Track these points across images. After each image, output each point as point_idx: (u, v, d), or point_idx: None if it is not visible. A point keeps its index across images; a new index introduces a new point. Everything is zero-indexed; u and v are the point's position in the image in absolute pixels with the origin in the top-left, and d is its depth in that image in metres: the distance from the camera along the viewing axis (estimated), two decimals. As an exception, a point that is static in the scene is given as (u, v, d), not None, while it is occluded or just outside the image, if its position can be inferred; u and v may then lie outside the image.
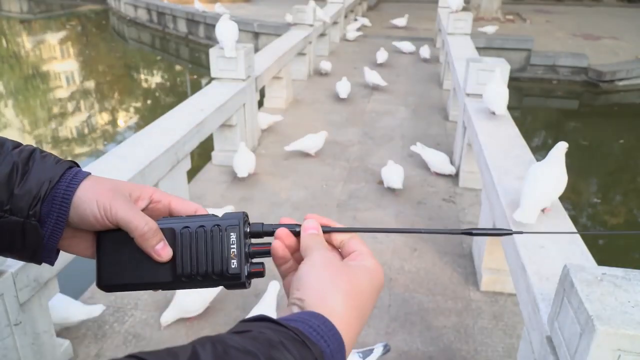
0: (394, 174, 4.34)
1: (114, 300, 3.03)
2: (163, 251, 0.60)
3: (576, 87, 10.17)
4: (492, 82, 4.05)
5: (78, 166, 0.64)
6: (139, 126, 8.43)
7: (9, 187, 0.57)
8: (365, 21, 12.65)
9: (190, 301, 2.79)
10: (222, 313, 2.96)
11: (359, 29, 11.61)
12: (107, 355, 2.66)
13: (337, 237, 0.62)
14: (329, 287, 0.52)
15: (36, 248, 0.60)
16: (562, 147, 2.45)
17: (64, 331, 2.77)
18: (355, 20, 12.61)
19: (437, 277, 3.36)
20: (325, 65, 8.09)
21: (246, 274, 0.60)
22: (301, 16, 8.02)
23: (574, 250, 2.24)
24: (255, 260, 0.62)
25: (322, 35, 9.24)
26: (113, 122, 9.29)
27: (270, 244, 0.61)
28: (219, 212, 0.63)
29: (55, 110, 9.60)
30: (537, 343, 1.84)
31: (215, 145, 4.94)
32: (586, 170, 6.95)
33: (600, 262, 2.02)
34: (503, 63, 4.45)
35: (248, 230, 0.61)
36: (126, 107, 10.09)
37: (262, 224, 0.62)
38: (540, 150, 7.58)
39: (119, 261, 0.61)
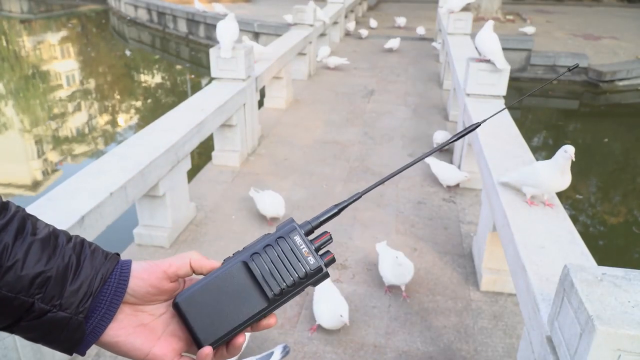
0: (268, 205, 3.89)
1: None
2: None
3: (576, 87, 10.17)
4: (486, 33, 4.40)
5: (119, 256, 0.66)
6: (139, 126, 8.43)
7: (63, 282, 0.58)
8: (374, 23, 12.61)
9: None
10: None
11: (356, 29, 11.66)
12: (107, 355, 2.66)
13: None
14: None
15: (74, 343, 0.59)
16: (567, 150, 2.49)
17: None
18: (359, 24, 12.61)
19: (437, 277, 3.36)
20: (325, 52, 8.49)
21: (324, 264, 0.64)
22: (301, 16, 8.02)
23: (574, 250, 2.24)
24: (321, 252, 0.66)
25: (322, 35, 9.24)
26: (113, 122, 9.30)
27: (327, 232, 0.67)
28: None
29: (56, 110, 9.61)
30: (537, 343, 1.84)
31: (215, 145, 4.94)
32: (586, 170, 6.95)
33: (600, 262, 2.02)
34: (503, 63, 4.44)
35: (302, 230, 0.66)
36: (126, 107, 10.09)
37: (308, 221, 0.67)
38: (540, 150, 7.58)
39: (209, 316, 0.62)
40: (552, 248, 2.24)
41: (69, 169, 7.02)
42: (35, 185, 6.71)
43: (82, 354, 0.62)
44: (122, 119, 9.44)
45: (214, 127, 4.29)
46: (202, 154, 6.15)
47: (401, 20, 12.59)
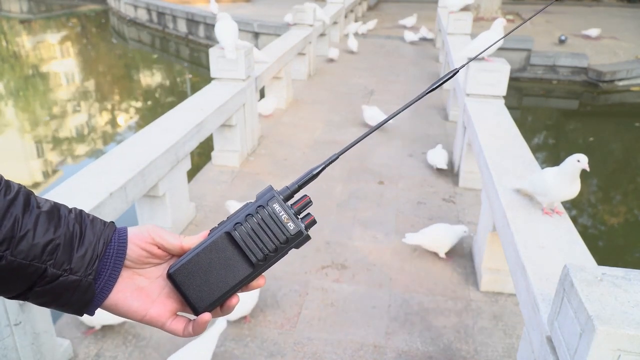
0: None
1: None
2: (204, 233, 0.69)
3: (576, 87, 10.17)
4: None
5: (114, 224, 0.71)
6: (138, 126, 8.43)
7: (70, 248, 0.63)
8: (372, 24, 12.54)
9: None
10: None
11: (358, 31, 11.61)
12: (107, 356, 2.66)
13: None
14: None
15: (85, 303, 0.65)
16: (580, 160, 2.40)
17: (64, 331, 2.77)
18: (363, 23, 12.52)
19: (437, 277, 3.36)
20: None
21: (304, 227, 0.69)
22: (301, 16, 8.02)
23: (574, 250, 2.24)
24: (302, 215, 0.70)
25: (322, 35, 9.24)
26: (113, 122, 9.29)
27: (306, 195, 0.71)
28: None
29: (56, 110, 9.60)
30: (537, 343, 1.84)
31: (215, 145, 4.94)
32: (585, 170, 6.94)
33: (600, 262, 2.02)
34: (503, 63, 4.45)
35: (281, 196, 0.70)
36: (126, 107, 10.09)
37: (287, 187, 0.71)
38: (540, 150, 7.58)
39: (201, 283, 0.67)
40: (552, 248, 2.24)
41: (69, 169, 7.02)
42: (35, 185, 6.70)
43: (92, 313, 0.67)
44: (121, 119, 9.44)
45: (213, 127, 4.29)
46: (202, 154, 6.15)
47: (406, 21, 12.45)
